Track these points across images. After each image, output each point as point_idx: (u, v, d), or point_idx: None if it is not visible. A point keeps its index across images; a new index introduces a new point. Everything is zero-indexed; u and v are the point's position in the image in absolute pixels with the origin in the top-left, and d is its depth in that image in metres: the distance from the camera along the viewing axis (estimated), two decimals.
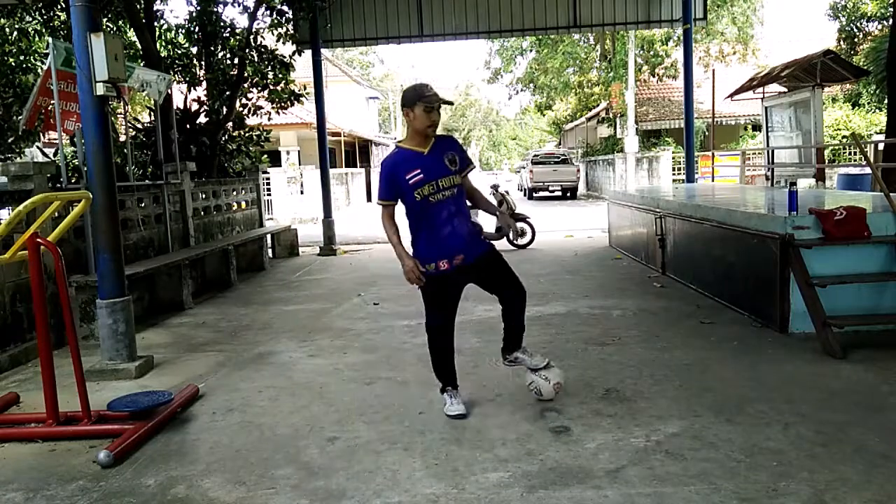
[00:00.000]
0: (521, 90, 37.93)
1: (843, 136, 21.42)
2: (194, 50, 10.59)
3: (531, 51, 34.12)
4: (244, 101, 10.88)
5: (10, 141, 9.97)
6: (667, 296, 6.94)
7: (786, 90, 12.28)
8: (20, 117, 6.97)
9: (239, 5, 10.68)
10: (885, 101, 13.31)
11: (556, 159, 26.43)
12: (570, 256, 10.12)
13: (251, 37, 10.45)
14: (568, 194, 26.10)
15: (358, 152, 32.04)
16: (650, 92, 29.15)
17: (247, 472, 3.28)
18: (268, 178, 19.83)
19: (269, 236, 10.98)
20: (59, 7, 9.44)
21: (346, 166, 28.03)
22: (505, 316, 3.87)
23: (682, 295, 6.91)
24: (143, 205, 7.72)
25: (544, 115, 46.79)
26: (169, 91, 8.42)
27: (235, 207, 10.57)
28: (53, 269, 5.06)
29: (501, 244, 9.88)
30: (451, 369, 3.95)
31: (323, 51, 12.81)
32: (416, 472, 3.20)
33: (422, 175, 3.54)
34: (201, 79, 10.46)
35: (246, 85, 10.77)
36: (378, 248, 12.54)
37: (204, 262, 8.55)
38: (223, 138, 10.73)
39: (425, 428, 3.71)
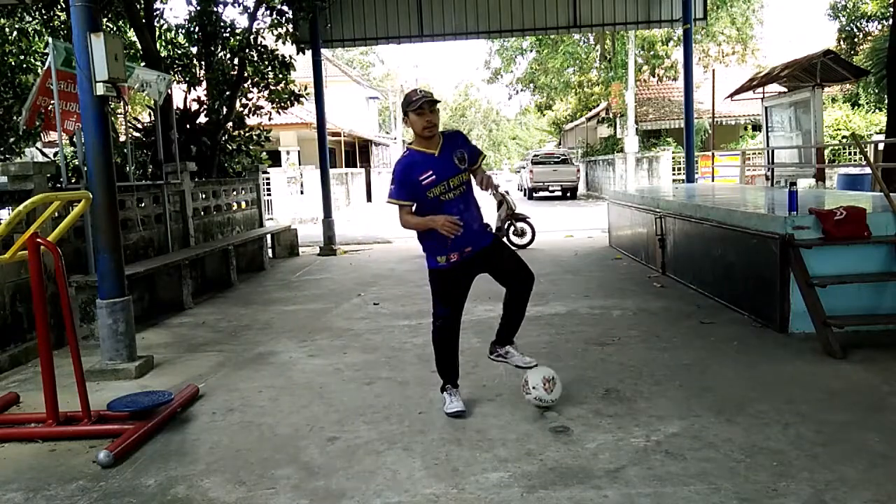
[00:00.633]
0: (521, 90, 37.98)
1: (843, 136, 21.42)
2: (194, 50, 10.59)
3: (531, 51, 34.14)
4: (244, 101, 10.88)
5: (10, 141, 9.96)
6: (667, 296, 6.94)
7: (786, 90, 12.29)
8: (20, 118, 6.96)
9: (239, 5, 10.68)
10: (885, 101, 13.31)
11: (556, 159, 26.43)
12: (570, 256, 10.12)
13: (251, 37, 10.45)
14: (568, 194, 26.10)
15: (358, 152, 32.05)
16: (650, 92, 29.16)
17: (247, 472, 3.28)
18: (268, 178, 19.82)
19: (269, 236, 10.98)
20: (59, 7, 9.44)
21: (346, 166, 28.03)
22: (508, 303, 3.92)
23: (681, 295, 6.91)
24: (143, 205, 7.72)
25: (544, 115, 46.81)
26: (169, 91, 8.42)
27: (235, 207, 10.57)
28: (53, 269, 5.06)
29: None
30: (454, 367, 3.96)
31: (323, 51, 12.81)
32: (416, 472, 3.20)
33: (434, 176, 3.65)
34: (201, 79, 10.46)
35: (246, 85, 10.77)
36: (378, 248, 12.55)
37: (204, 262, 8.55)
38: (223, 138, 10.73)
39: (425, 428, 3.71)
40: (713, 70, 16.63)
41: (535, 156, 27.90)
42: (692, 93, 12.61)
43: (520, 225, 11.04)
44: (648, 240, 8.67)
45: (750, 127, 25.75)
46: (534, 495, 2.93)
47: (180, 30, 10.52)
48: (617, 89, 26.65)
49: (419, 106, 3.59)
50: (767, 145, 12.90)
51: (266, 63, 10.80)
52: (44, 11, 9.68)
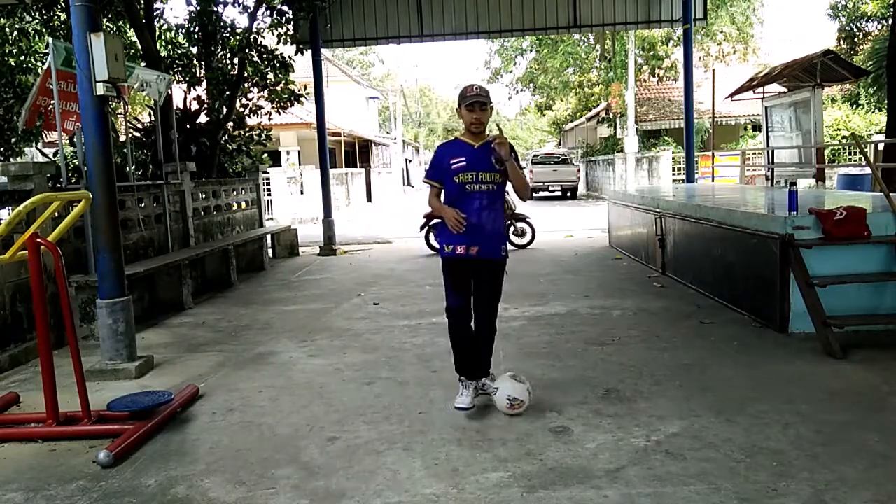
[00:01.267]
0: (521, 90, 37.97)
1: (843, 136, 21.42)
2: (194, 50, 10.59)
3: (531, 51, 34.14)
4: (244, 101, 10.88)
5: (10, 141, 9.96)
6: (667, 296, 6.94)
7: (786, 90, 12.29)
8: (20, 118, 6.96)
9: (239, 5, 10.68)
10: (885, 101, 13.31)
11: (556, 159, 26.42)
12: (570, 256, 10.12)
13: (251, 37, 10.45)
14: (568, 194, 26.10)
15: (358, 152, 32.04)
16: (650, 92, 29.16)
17: (247, 472, 3.28)
18: (268, 178, 19.81)
19: (269, 236, 10.98)
20: (59, 7, 9.43)
21: (346, 166, 28.01)
22: (474, 337, 3.98)
23: (681, 295, 6.91)
24: (143, 205, 7.71)
25: (544, 115, 46.81)
26: (169, 91, 8.42)
27: (235, 207, 10.57)
28: (53, 269, 5.06)
29: None
30: (468, 357, 3.95)
31: (323, 51, 12.81)
32: (416, 472, 3.20)
33: (465, 163, 3.82)
34: (201, 79, 10.45)
35: (246, 85, 10.77)
36: (378, 248, 12.55)
37: (204, 262, 8.55)
38: (223, 138, 10.73)
39: (425, 428, 3.71)
40: (713, 70, 16.64)
41: (535, 156, 27.89)
42: (692, 93, 12.60)
43: (520, 225, 11.04)
44: (648, 240, 8.67)
45: (750, 127, 25.75)
46: (534, 495, 2.93)
47: (180, 30, 10.52)
48: (617, 89, 26.65)
49: (470, 104, 3.80)
50: (767, 145, 12.90)
51: (266, 63, 10.80)
52: (44, 11, 9.68)
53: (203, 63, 10.38)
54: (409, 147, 47.54)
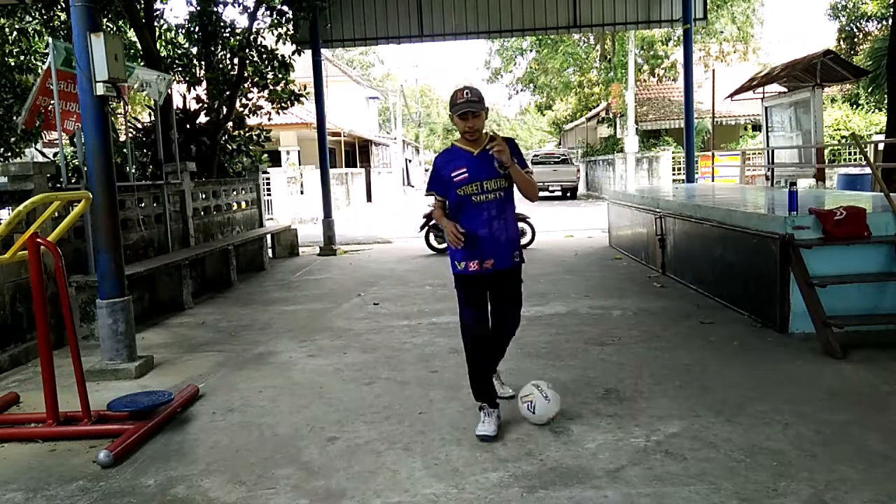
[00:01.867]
0: (521, 90, 37.97)
1: (843, 136, 21.42)
2: (194, 50, 10.59)
3: (531, 51, 34.13)
4: (244, 101, 10.89)
5: (11, 141, 9.96)
6: (667, 296, 6.94)
7: (786, 90, 12.28)
8: (20, 118, 6.97)
9: (239, 5, 10.68)
10: (885, 101, 13.31)
11: (556, 159, 26.41)
12: (570, 256, 10.12)
13: (251, 37, 10.45)
14: (568, 194, 26.10)
15: (358, 152, 32.05)
16: (650, 92, 29.15)
17: (247, 472, 3.28)
18: (268, 178, 19.82)
19: (269, 236, 10.98)
20: (59, 7, 9.43)
21: (346, 166, 28.02)
22: (491, 338, 3.79)
23: (681, 295, 6.91)
24: (143, 205, 7.72)
25: (544, 115, 46.81)
26: (169, 91, 8.42)
27: (235, 207, 10.57)
28: (53, 269, 5.06)
29: None
30: (486, 381, 3.69)
31: (323, 51, 12.81)
32: (416, 472, 3.20)
33: (467, 174, 3.57)
34: (201, 79, 10.46)
35: (246, 85, 10.77)
36: (378, 248, 12.55)
37: (204, 262, 8.55)
38: (223, 138, 10.73)
39: (425, 428, 3.71)
40: (713, 70, 16.60)
41: (535, 156, 27.86)
42: (692, 93, 12.60)
43: (520, 225, 11.00)
44: (648, 240, 8.67)
45: (750, 127, 25.74)
46: (534, 495, 2.93)
47: (180, 30, 10.53)
48: (617, 89, 26.65)
49: (462, 112, 3.54)
50: (767, 145, 12.90)
51: (266, 63, 10.80)
52: (44, 11, 9.68)
53: (203, 63, 10.39)
54: (409, 147, 47.53)
